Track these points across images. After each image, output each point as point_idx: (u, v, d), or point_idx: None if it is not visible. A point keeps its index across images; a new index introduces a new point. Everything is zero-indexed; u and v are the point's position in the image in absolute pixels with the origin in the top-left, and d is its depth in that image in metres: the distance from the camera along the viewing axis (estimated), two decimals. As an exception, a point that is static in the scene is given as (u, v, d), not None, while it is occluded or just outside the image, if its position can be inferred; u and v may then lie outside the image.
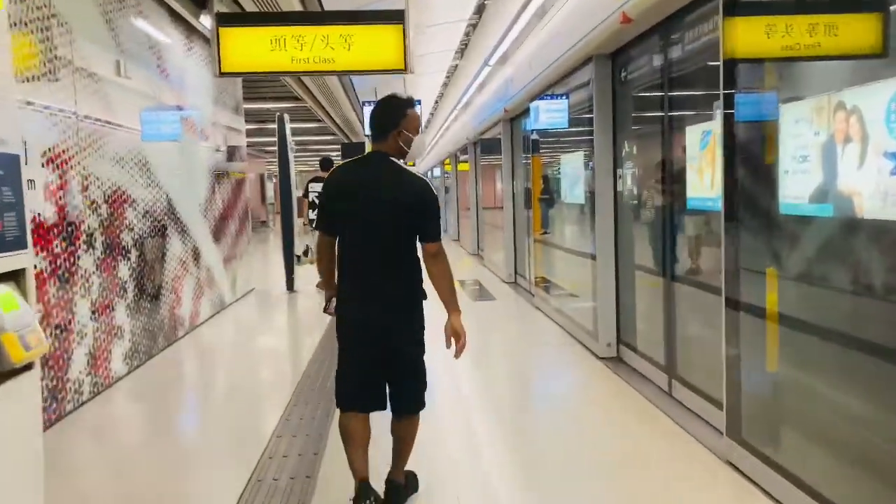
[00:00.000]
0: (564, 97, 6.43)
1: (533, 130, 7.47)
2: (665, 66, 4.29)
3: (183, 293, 6.81)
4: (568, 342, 6.01)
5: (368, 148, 3.13)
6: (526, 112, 8.33)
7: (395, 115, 2.76)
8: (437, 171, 25.77)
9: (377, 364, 2.78)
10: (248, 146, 26.19)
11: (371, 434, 2.85)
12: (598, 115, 5.24)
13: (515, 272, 9.71)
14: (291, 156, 9.57)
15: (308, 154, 32.04)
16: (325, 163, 9.59)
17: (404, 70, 5.86)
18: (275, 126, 9.57)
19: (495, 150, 10.79)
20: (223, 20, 5.76)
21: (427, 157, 26.37)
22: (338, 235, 2.81)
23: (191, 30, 7.21)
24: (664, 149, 4.40)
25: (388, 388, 2.82)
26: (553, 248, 7.71)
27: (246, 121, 16.26)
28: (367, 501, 2.71)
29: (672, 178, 4.28)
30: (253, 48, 5.74)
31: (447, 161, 19.94)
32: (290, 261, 9.52)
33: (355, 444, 2.78)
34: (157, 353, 6.00)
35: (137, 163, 5.78)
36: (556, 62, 5.86)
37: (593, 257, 5.41)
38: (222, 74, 5.87)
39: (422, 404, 2.86)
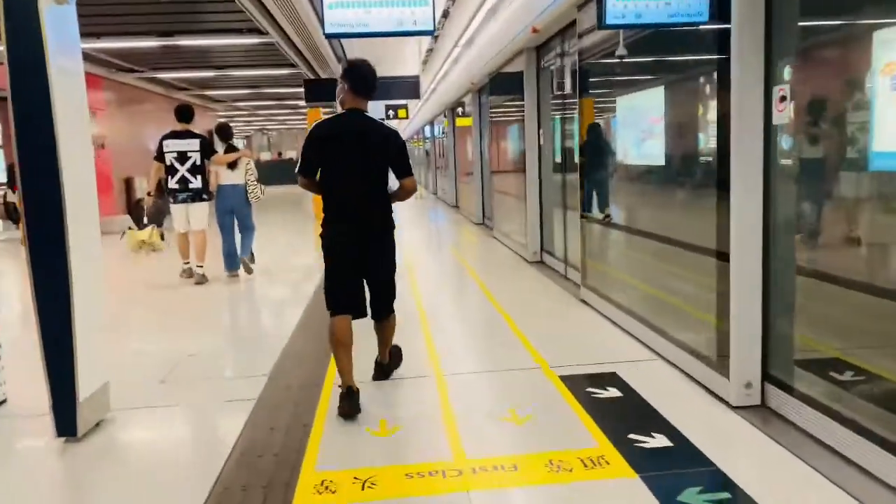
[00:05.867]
0: None
1: None
2: None
3: None
4: None
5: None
6: None
7: (376, 81, 3.42)
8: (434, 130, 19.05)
9: (358, 276, 3.43)
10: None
11: (353, 340, 3.38)
12: None
13: (768, 376, 3.21)
14: (51, 41, 2.95)
15: (249, 109, 23.38)
16: (185, 109, 7.16)
17: None
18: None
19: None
20: None
21: (429, 99, 19.33)
22: (316, 175, 3.39)
23: None
24: None
25: (367, 297, 3.51)
26: None
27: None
28: (351, 402, 3.24)
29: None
30: None
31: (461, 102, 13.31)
32: (61, 345, 3.03)
33: (342, 345, 3.34)
34: None
35: None
36: None
37: None
38: None
39: (391, 310, 3.59)
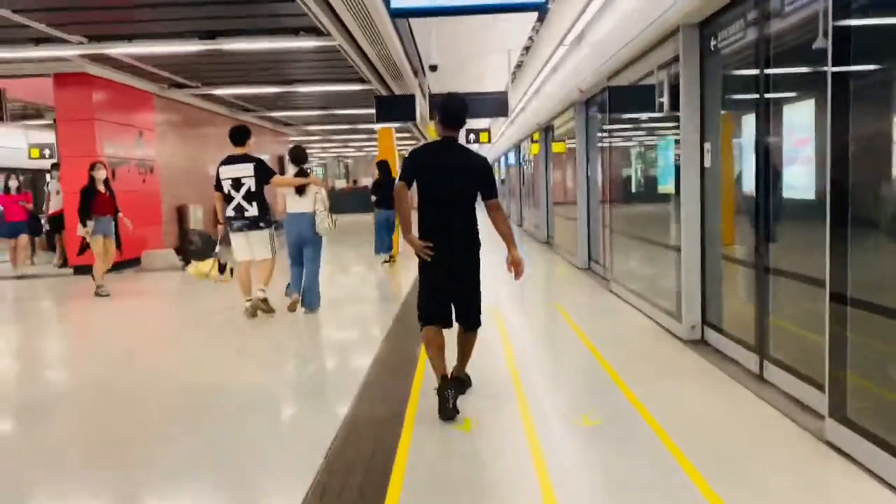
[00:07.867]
0: None
1: None
2: None
3: None
4: None
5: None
6: None
7: (465, 113, 4.02)
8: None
9: (448, 288, 3.89)
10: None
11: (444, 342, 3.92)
12: None
13: None
14: None
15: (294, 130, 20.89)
16: (238, 131, 6.65)
17: None
18: None
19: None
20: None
21: (520, 115, 16.95)
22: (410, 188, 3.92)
23: None
24: None
25: (455, 309, 3.93)
26: None
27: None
28: (448, 391, 3.73)
29: None
30: None
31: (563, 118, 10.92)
32: None
33: (435, 349, 3.88)
34: None
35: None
36: None
37: None
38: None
39: (479, 323, 3.99)
